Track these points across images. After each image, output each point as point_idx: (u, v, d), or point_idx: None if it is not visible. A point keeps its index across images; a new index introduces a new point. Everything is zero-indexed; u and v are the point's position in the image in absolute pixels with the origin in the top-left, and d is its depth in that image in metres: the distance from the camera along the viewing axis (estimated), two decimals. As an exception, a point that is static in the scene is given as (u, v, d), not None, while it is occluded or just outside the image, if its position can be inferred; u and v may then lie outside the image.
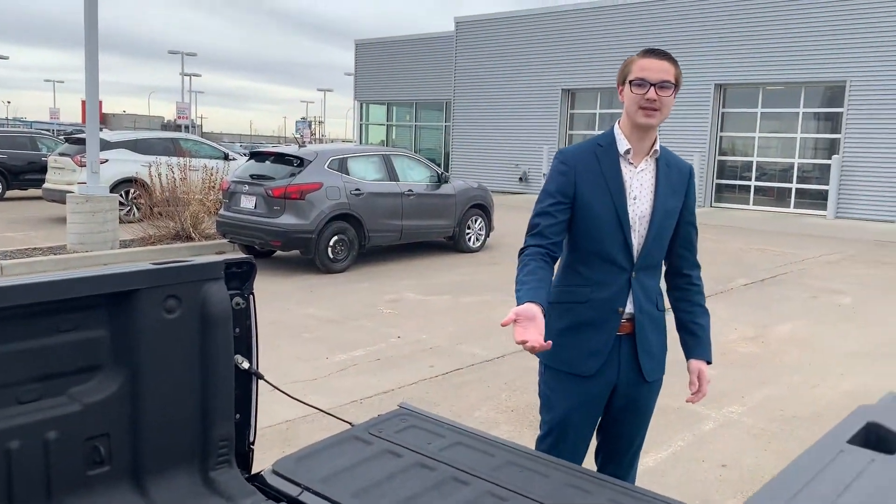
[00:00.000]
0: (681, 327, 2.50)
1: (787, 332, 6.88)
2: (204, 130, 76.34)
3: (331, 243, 9.09)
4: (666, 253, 2.41)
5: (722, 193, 20.13)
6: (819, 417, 4.70)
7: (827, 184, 17.86)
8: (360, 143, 30.23)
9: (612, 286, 2.29)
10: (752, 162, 19.63)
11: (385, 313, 7.23)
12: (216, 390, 1.91)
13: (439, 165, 26.59)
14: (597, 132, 21.22)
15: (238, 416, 2.00)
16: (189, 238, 10.56)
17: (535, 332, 1.92)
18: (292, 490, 1.86)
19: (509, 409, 4.74)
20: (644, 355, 2.35)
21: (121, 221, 12.62)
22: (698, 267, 2.48)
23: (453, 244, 10.97)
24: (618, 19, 21.10)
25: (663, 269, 2.48)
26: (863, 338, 6.73)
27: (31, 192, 17.06)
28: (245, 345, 2.02)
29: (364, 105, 30.73)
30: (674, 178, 2.34)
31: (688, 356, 2.46)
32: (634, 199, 2.28)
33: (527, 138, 23.23)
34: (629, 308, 2.31)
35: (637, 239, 2.28)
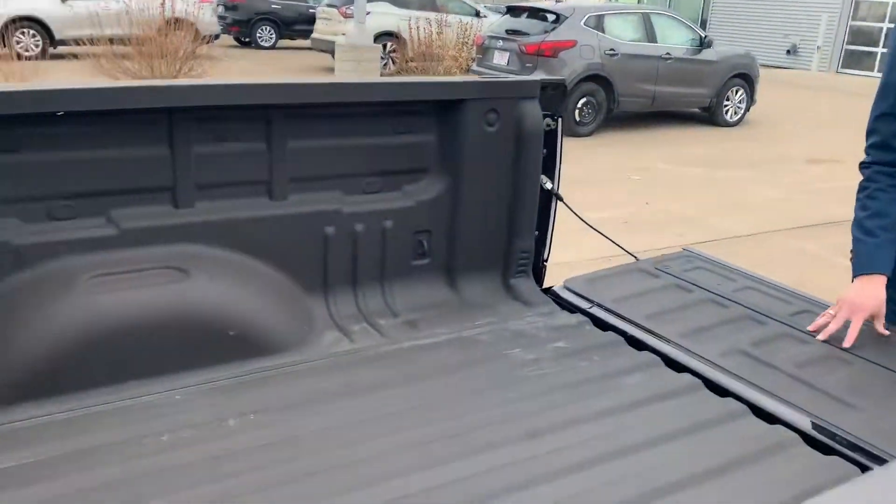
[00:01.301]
0: None
1: None
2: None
3: (578, 105, 8.95)
4: None
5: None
6: None
7: None
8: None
9: None
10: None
11: (633, 180, 7.10)
12: (522, 205, 2.04)
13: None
14: None
15: (537, 232, 2.13)
16: (441, 92, 10.94)
17: (854, 331, 1.67)
18: (584, 304, 1.98)
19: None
20: None
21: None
22: None
23: (708, 116, 10.30)
24: None
25: None
26: None
27: (300, 42, 18.46)
28: (551, 166, 2.11)
29: (617, -36, 28.89)
30: None
31: None
32: None
33: (801, 3, 20.62)
34: None
35: None
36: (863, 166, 1.80)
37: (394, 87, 1.87)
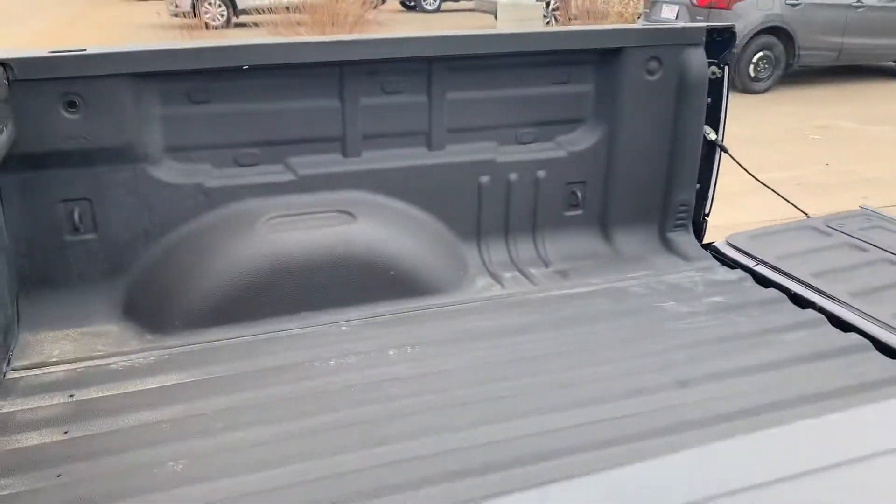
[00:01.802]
0: None
1: None
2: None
3: (753, 60, 8.38)
4: None
5: None
6: None
7: None
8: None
9: None
10: None
11: (811, 139, 6.60)
12: (683, 156, 1.99)
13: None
14: None
15: (699, 185, 2.07)
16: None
17: None
18: (747, 261, 1.91)
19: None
20: None
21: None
22: None
23: (905, 69, 9.32)
24: None
25: None
26: None
27: (463, 3, 18.53)
28: (715, 116, 2.03)
29: None
30: None
31: None
32: None
33: None
34: None
35: None
36: None
37: (552, 37, 1.88)
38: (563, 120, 1.93)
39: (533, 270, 1.89)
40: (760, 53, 8.37)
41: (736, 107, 8.42)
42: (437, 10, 18.52)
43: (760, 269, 1.86)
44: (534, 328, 1.62)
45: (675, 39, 1.89)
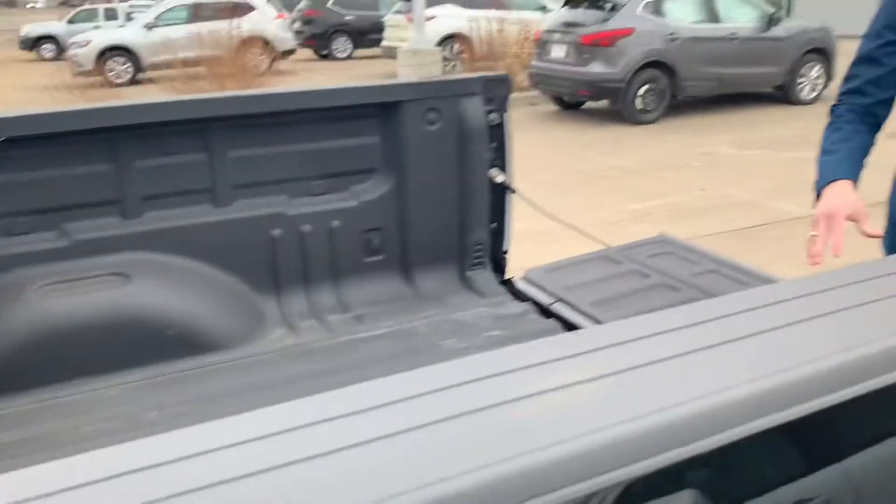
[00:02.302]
0: None
1: None
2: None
3: (640, 93, 8.74)
4: None
5: None
6: None
7: None
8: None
9: None
10: None
11: (693, 166, 6.89)
12: (472, 199, 2.07)
13: (779, 4, 23.48)
14: None
15: (494, 224, 2.15)
16: (504, 90, 10.92)
17: (838, 234, 1.50)
18: (535, 293, 1.98)
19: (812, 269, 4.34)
20: None
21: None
22: None
23: (783, 95, 9.84)
24: None
25: None
26: None
27: (375, 50, 18.82)
28: (501, 159, 2.12)
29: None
30: None
31: None
32: None
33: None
34: None
35: None
36: (834, 108, 1.75)
37: (331, 94, 1.95)
38: (355, 171, 1.98)
39: (331, 317, 1.92)
40: (646, 87, 8.75)
41: (626, 138, 8.79)
42: (349, 57, 18.75)
43: (546, 300, 1.93)
44: (315, 376, 1.64)
45: (450, 91, 1.98)
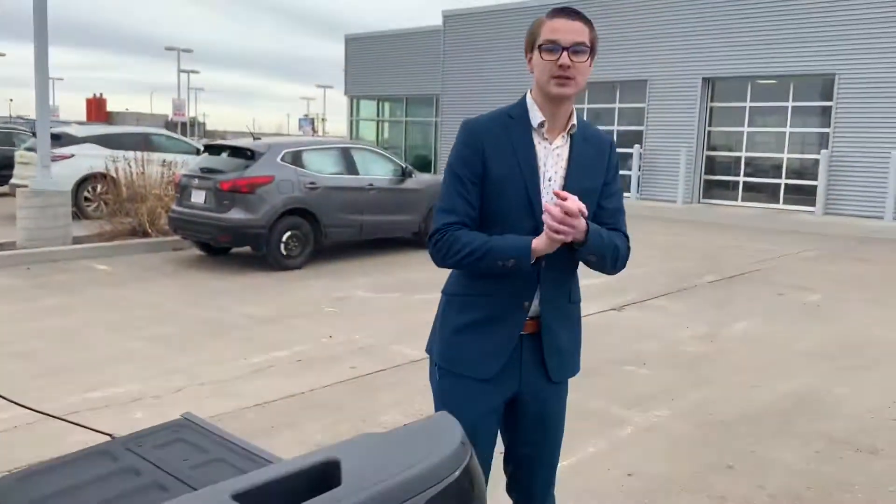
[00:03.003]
0: None
1: (741, 331, 6.59)
2: (207, 129, 75.77)
3: (284, 239, 8.82)
4: None
5: (711, 189, 19.71)
6: (748, 420, 4.41)
7: (816, 179, 17.46)
8: (351, 138, 29.97)
9: (517, 278, 2.03)
10: (740, 157, 19.21)
11: (326, 312, 6.96)
12: None
13: (430, 160, 26.29)
14: (605, 128, 20.21)
15: None
16: (146, 234, 10.31)
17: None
18: None
19: (420, 413, 4.46)
20: (551, 354, 2.10)
21: (88, 217, 12.38)
22: (627, 238, 2.15)
23: (420, 240, 10.68)
24: (601, 10, 20.73)
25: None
26: (822, 336, 6.43)
27: (7, 187, 16.84)
28: None
29: (355, 101, 30.44)
30: (591, 155, 2.07)
31: None
32: (550, 180, 2.03)
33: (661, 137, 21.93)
34: (536, 303, 2.06)
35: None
36: (436, 234, 2.04)
37: None
38: None
39: None
40: (289, 233, 8.85)
41: (268, 285, 8.61)
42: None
43: None
44: None
45: None
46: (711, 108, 19.49)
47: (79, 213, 12.24)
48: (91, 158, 12.86)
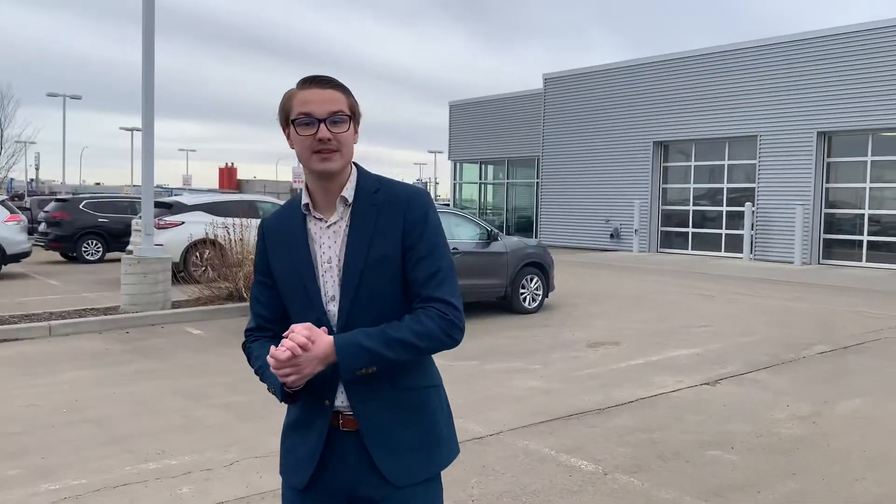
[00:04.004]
0: None
1: (850, 411, 5.88)
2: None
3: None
4: (402, 306, 1.84)
5: (831, 249, 18.46)
6: (847, 523, 3.83)
7: (953, 237, 15.96)
8: (454, 202, 30.27)
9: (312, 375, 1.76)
10: (864, 214, 17.92)
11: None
12: None
13: (532, 221, 26.18)
14: (713, 186, 20.09)
15: None
16: (242, 298, 10.59)
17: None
18: None
19: (471, 496, 4.16)
20: (382, 453, 1.80)
21: (196, 282, 12.89)
22: (451, 305, 1.83)
23: (507, 304, 10.43)
24: (709, 68, 20.18)
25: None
26: (947, 420, 5.63)
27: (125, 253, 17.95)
28: None
29: (458, 164, 30.87)
30: (378, 221, 1.81)
31: None
32: (329, 260, 1.84)
33: (618, 193, 22.41)
34: (341, 399, 1.82)
35: (337, 308, 1.82)
36: (245, 341, 2.02)
37: None
38: None
39: None
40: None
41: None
42: (101, 259, 17.78)
43: None
44: None
45: None
46: (828, 164, 18.37)
47: (187, 278, 12.80)
48: (199, 226, 13.49)
